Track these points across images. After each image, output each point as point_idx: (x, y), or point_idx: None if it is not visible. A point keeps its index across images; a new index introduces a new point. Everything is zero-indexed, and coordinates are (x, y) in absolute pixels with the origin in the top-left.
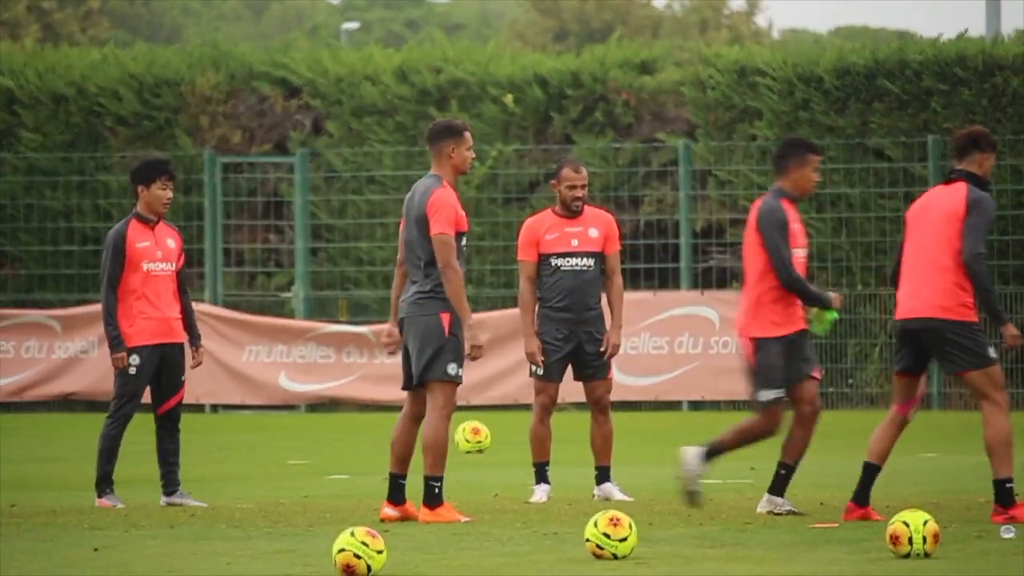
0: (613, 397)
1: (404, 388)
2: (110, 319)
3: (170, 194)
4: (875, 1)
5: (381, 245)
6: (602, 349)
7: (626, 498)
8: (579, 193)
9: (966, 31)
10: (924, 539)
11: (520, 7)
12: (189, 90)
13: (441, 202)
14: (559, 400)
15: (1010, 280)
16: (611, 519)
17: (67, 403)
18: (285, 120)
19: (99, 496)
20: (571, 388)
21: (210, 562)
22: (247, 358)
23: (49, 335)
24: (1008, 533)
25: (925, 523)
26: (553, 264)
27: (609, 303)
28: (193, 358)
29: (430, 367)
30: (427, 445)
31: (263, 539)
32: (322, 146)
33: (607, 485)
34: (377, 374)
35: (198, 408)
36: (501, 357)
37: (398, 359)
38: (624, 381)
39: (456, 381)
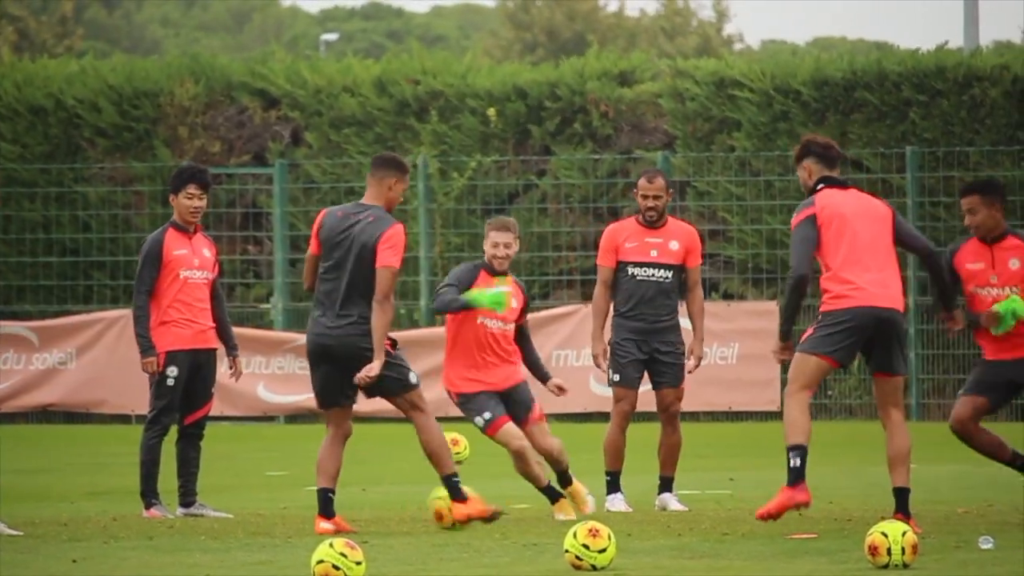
0: (593, 408)
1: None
2: (141, 325)
3: (197, 203)
4: (853, 12)
5: None
6: (691, 365)
7: (681, 508)
8: (651, 203)
9: (946, 43)
10: (903, 550)
11: (497, 19)
12: (168, 101)
13: (399, 236)
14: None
15: None
16: (590, 530)
17: (45, 414)
18: (264, 131)
19: (146, 508)
20: (560, 401)
21: (189, 573)
22: (225, 369)
23: (26, 347)
24: (986, 544)
25: (904, 534)
26: (630, 272)
27: (690, 316)
28: (230, 367)
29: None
30: (441, 446)
31: (242, 550)
32: (301, 157)
33: (665, 495)
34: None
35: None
36: None
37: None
38: (606, 393)
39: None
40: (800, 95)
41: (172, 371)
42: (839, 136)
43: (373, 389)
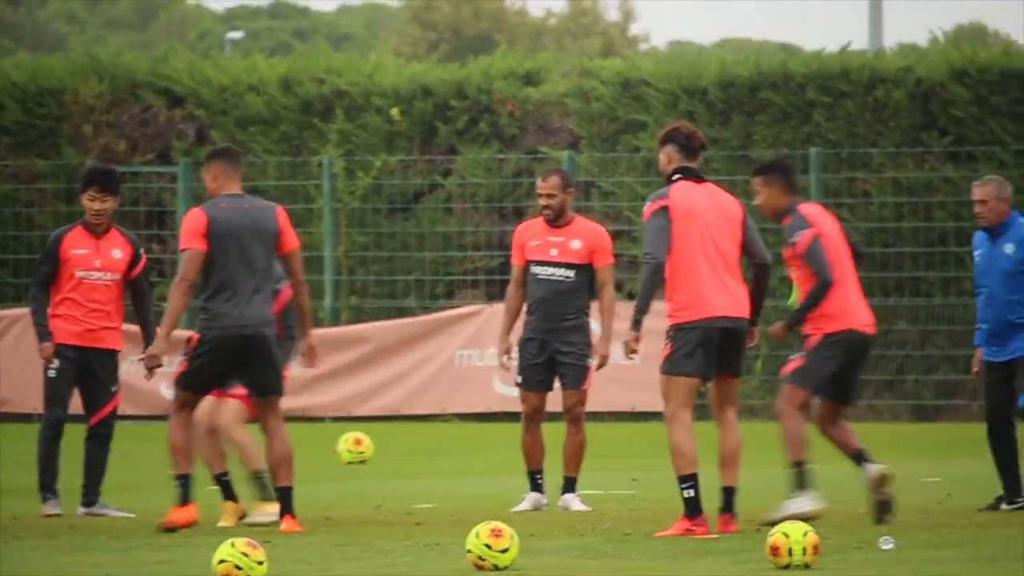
0: (497, 407)
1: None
2: (36, 314)
3: (99, 206)
4: (758, 14)
5: None
6: (588, 365)
7: (584, 508)
8: (545, 202)
9: (849, 44)
10: (804, 550)
11: (403, 17)
12: (72, 99)
13: (288, 218)
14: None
15: (891, 292)
16: (493, 530)
17: None
18: (168, 130)
19: (42, 502)
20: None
21: (90, 573)
22: (127, 368)
23: None
24: (887, 544)
25: (805, 534)
26: (533, 271)
27: (600, 315)
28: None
29: (281, 382)
30: (291, 456)
31: (143, 550)
32: (205, 156)
33: (568, 496)
34: None
35: (79, 418)
36: (383, 368)
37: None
38: (510, 392)
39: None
40: (706, 95)
41: (54, 363)
42: (744, 137)
43: (263, 386)
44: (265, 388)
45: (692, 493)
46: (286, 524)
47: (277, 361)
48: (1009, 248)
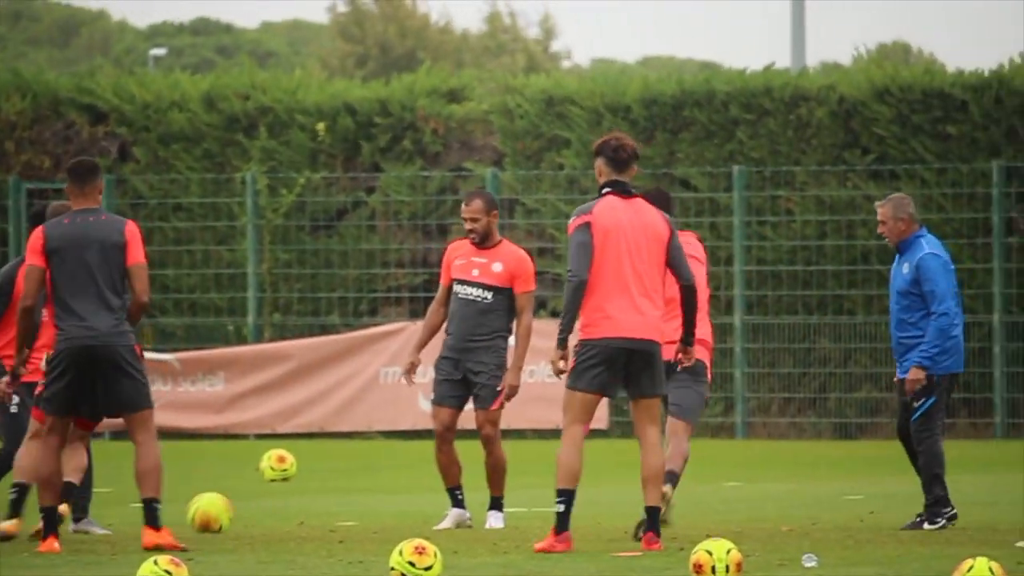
0: (422, 425)
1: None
2: None
3: None
4: (681, 32)
5: (188, 272)
6: (499, 388)
7: (496, 526)
8: (469, 225)
9: (773, 63)
10: (727, 568)
11: (327, 34)
12: None
13: (138, 231)
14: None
15: (814, 310)
16: (416, 547)
17: None
18: (92, 146)
19: None
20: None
21: None
22: None
23: None
24: (810, 562)
25: (728, 552)
26: (454, 290)
27: (515, 342)
28: None
29: (146, 396)
30: (156, 468)
31: (67, 567)
32: (129, 173)
33: (490, 512)
34: (180, 402)
35: None
36: (306, 386)
37: (204, 388)
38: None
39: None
40: (630, 113)
41: (15, 399)
42: (667, 154)
43: (122, 401)
44: (127, 404)
45: (563, 508)
46: (147, 537)
47: (137, 374)
48: (905, 268)
